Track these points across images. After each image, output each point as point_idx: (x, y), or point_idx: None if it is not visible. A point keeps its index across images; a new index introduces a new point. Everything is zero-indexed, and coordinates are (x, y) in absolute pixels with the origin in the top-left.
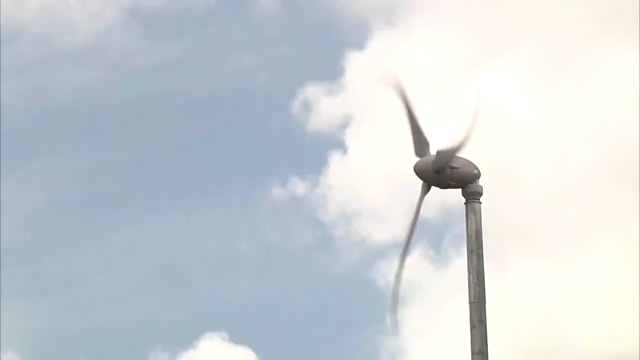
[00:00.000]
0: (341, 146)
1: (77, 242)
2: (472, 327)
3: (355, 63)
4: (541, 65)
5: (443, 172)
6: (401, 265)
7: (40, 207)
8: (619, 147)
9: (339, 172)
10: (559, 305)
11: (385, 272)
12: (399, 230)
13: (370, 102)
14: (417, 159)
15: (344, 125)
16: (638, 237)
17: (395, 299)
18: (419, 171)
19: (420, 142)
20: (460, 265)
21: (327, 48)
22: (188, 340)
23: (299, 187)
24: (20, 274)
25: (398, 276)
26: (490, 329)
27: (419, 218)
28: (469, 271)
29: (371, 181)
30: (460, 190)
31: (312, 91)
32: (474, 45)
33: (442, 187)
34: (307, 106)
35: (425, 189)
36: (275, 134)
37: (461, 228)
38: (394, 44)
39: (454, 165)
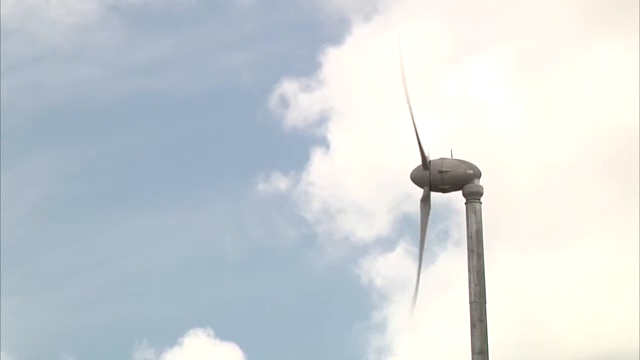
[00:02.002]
0: (323, 142)
1: (66, 240)
2: (473, 326)
3: (335, 58)
4: (526, 59)
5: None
6: (418, 277)
7: (31, 206)
8: (606, 142)
9: (322, 168)
10: (544, 302)
11: (369, 269)
12: (383, 226)
13: (350, 97)
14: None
15: (326, 121)
16: (624, 233)
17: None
18: (413, 178)
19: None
20: (444, 261)
21: (306, 44)
22: (173, 337)
23: (282, 183)
24: (11, 273)
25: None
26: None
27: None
28: (469, 271)
29: (354, 177)
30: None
31: (292, 87)
32: (456, 38)
33: (440, 192)
34: (288, 102)
35: (426, 195)
36: (256, 131)
37: (445, 225)
38: (373, 38)
39: (443, 169)
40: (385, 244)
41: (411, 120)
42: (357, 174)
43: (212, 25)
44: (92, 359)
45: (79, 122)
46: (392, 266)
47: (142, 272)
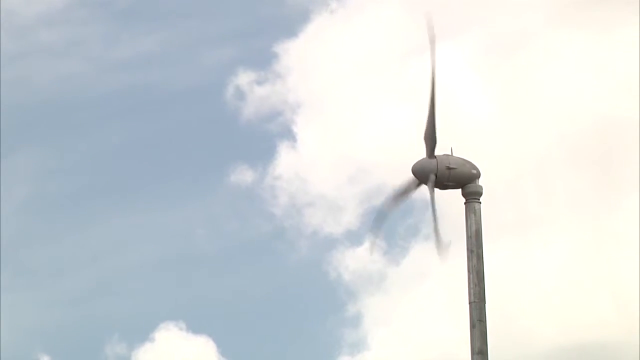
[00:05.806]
0: (290, 135)
1: (41, 239)
2: (472, 326)
3: (297, 51)
4: (495, 48)
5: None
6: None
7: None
8: (578, 132)
9: (289, 161)
10: (515, 293)
11: (337, 264)
12: (352, 220)
13: (315, 88)
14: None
15: (293, 114)
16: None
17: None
18: (415, 172)
19: (432, 142)
20: (415, 256)
21: (269, 37)
22: (145, 330)
23: (248, 177)
24: None
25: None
26: (461, 319)
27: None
28: (469, 271)
29: (322, 171)
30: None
31: (255, 80)
32: (421, 26)
33: (441, 188)
34: (251, 96)
35: (430, 188)
36: (226, 126)
37: (415, 219)
38: (335, 28)
39: (451, 166)
40: (354, 237)
41: (430, 110)
42: (325, 168)
43: (179, 22)
44: (64, 354)
45: (64, 119)
46: (362, 261)
47: (114, 267)
